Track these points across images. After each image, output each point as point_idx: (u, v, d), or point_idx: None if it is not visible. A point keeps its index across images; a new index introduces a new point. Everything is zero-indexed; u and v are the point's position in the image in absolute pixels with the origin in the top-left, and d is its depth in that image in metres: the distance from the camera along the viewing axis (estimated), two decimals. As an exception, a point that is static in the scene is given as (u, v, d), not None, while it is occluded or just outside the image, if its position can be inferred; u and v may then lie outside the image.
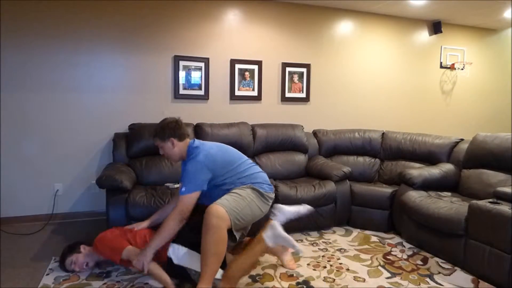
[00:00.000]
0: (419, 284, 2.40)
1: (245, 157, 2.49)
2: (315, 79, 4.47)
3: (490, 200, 2.48)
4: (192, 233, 2.24)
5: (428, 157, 3.65)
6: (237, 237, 2.23)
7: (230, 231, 2.13)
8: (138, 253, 2.24)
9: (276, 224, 2.28)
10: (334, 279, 2.44)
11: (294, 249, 2.33)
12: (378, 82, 4.79)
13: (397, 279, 2.47)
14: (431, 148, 3.65)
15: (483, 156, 3.17)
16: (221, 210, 2.07)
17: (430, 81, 5.09)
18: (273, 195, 2.43)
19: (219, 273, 2.17)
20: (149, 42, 3.76)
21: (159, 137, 2.37)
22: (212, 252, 2.04)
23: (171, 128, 2.34)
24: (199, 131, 3.65)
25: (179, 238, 2.27)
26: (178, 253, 2.23)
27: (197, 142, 2.40)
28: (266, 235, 2.27)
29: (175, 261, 2.21)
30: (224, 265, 2.28)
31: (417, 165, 3.65)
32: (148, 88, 3.81)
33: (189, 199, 2.20)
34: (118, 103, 3.72)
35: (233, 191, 2.25)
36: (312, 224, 3.32)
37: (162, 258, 2.26)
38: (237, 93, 4.13)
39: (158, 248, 2.22)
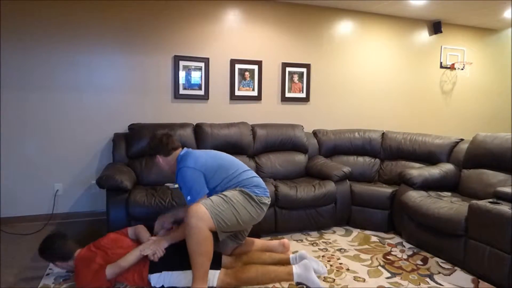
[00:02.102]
0: (419, 284, 2.40)
1: (240, 163, 2.45)
2: (315, 79, 4.47)
3: (490, 200, 2.48)
4: (165, 257, 2.26)
5: (428, 157, 3.65)
6: (220, 239, 2.20)
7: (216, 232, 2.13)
8: (151, 243, 2.26)
9: (310, 266, 2.31)
10: (334, 279, 2.44)
11: None
12: (378, 82, 4.79)
13: (397, 279, 2.47)
14: (431, 148, 3.65)
15: (483, 156, 3.17)
16: (201, 210, 2.06)
17: (430, 81, 5.09)
18: (266, 200, 2.36)
19: (215, 277, 2.19)
20: (149, 42, 3.77)
21: (148, 153, 2.50)
22: (198, 253, 2.04)
23: (155, 146, 2.42)
24: (199, 131, 3.65)
25: (156, 266, 2.26)
26: (165, 279, 2.22)
27: (185, 150, 2.41)
28: (297, 273, 2.30)
29: (167, 285, 2.21)
30: (219, 265, 2.28)
31: (417, 165, 3.65)
32: (148, 88, 3.81)
33: None
34: (118, 103, 3.72)
35: (221, 193, 2.24)
36: (312, 224, 3.32)
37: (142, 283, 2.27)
38: (237, 93, 4.13)
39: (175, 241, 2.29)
